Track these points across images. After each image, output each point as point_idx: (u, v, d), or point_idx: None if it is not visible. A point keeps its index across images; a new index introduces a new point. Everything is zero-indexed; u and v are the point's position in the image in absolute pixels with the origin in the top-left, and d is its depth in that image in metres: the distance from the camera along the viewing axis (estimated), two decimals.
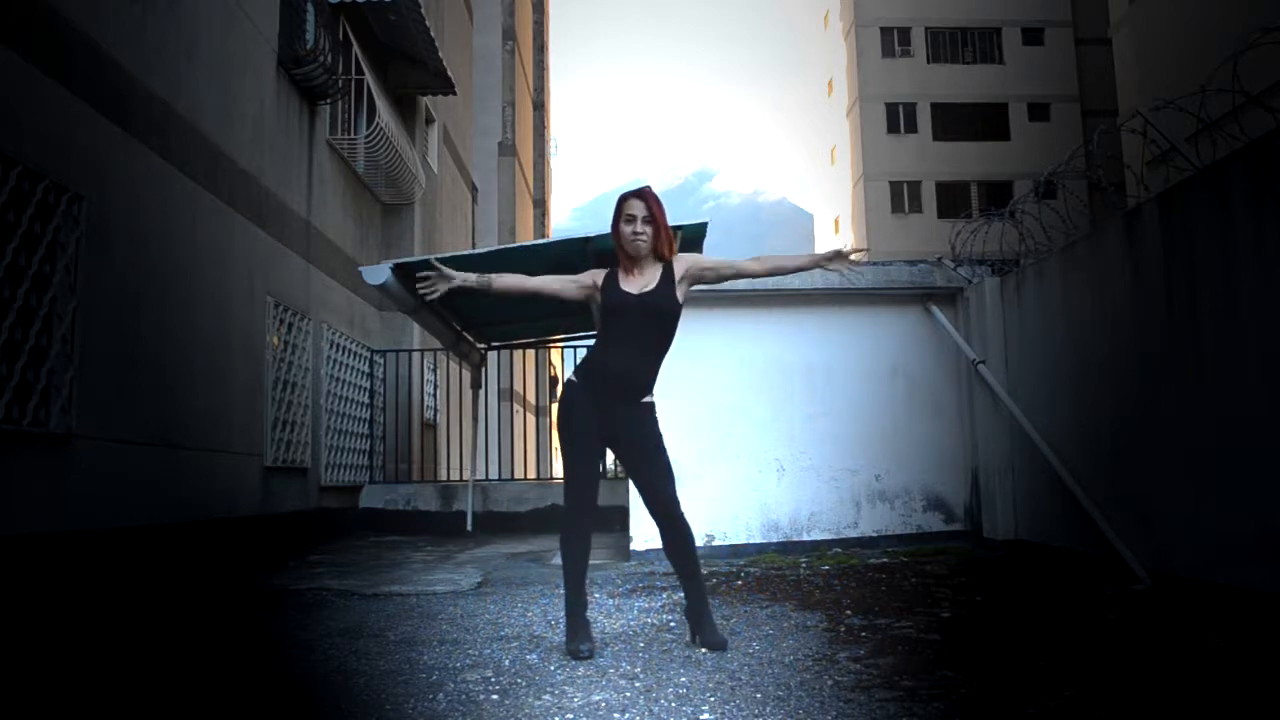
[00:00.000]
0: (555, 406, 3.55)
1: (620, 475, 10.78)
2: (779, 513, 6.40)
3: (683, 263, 3.53)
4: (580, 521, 3.44)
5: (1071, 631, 3.59)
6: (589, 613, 4.24)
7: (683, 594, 3.63)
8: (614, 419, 3.42)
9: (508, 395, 18.07)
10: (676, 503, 3.43)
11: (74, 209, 4.58)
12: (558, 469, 25.85)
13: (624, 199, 3.53)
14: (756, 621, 3.93)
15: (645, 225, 3.44)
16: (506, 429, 15.59)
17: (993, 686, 2.83)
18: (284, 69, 7.59)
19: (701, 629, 3.46)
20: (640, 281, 3.47)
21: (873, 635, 3.59)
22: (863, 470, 6.46)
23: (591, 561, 6.38)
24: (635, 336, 3.43)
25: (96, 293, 4.74)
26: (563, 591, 3.51)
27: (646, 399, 3.47)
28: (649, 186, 3.57)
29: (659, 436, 3.49)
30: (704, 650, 3.37)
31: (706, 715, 2.58)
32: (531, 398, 23.06)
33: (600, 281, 3.51)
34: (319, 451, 8.13)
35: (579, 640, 3.38)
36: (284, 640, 3.84)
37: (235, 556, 6.13)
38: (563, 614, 4.21)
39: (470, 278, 3.55)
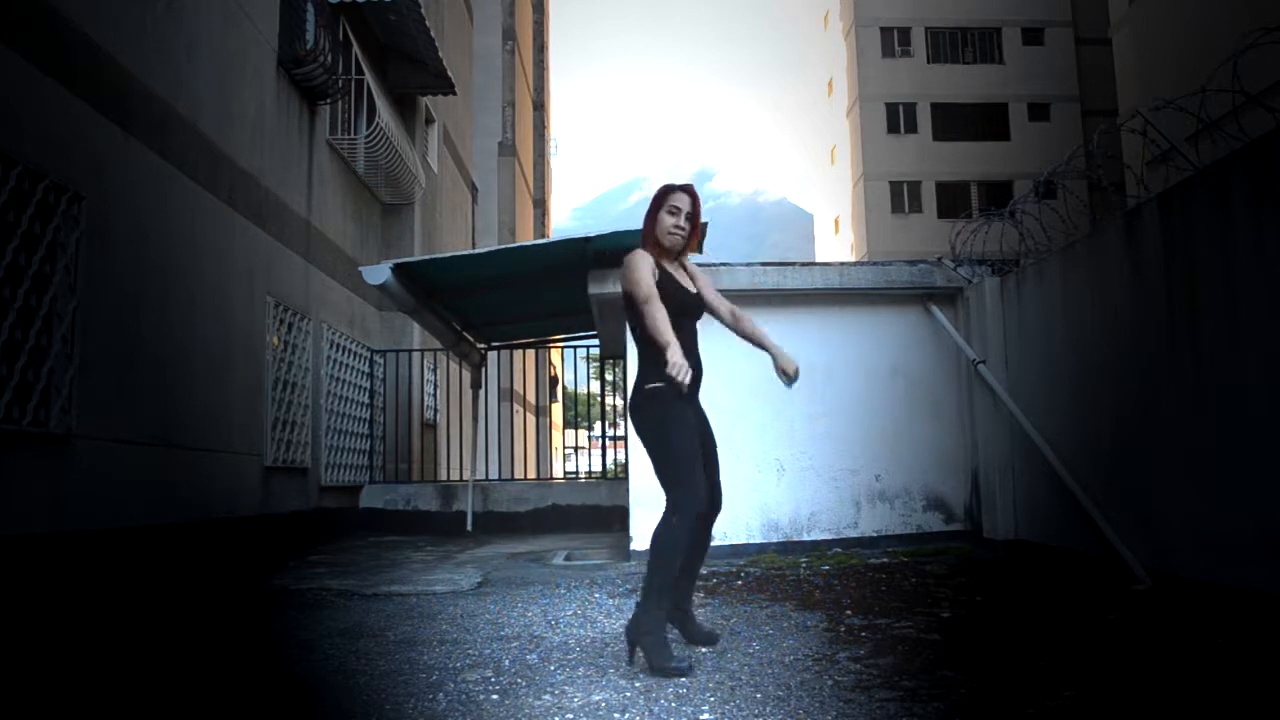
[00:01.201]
0: (633, 414, 3.39)
1: (621, 475, 10.78)
2: (779, 513, 6.40)
3: (707, 281, 3.56)
4: (697, 516, 3.22)
5: (1071, 631, 3.59)
6: (591, 610, 4.26)
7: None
8: (695, 416, 3.40)
9: (508, 395, 18.07)
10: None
11: (74, 209, 4.58)
12: (557, 469, 25.89)
13: (671, 190, 3.46)
14: (756, 621, 3.93)
15: (686, 222, 3.41)
16: (506, 429, 15.58)
17: (993, 686, 2.83)
18: (284, 69, 7.59)
19: (691, 630, 3.44)
20: (685, 278, 3.48)
21: (873, 635, 3.59)
22: (863, 470, 6.46)
23: (592, 561, 6.41)
24: (691, 332, 3.45)
25: (96, 293, 4.74)
26: (657, 606, 3.12)
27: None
28: (692, 185, 3.54)
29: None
30: (704, 650, 3.37)
31: (706, 715, 2.58)
32: (531, 398, 23.06)
33: (658, 275, 3.37)
34: (319, 451, 8.13)
35: (675, 658, 3.08)
36: (284, 640, 3.84)
37: (235, 556, 6.13)
38: (564, 614, 4.22)
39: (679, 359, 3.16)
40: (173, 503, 5.53)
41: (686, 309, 3.40)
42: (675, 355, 3.08)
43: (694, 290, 3.47)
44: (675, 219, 3.39)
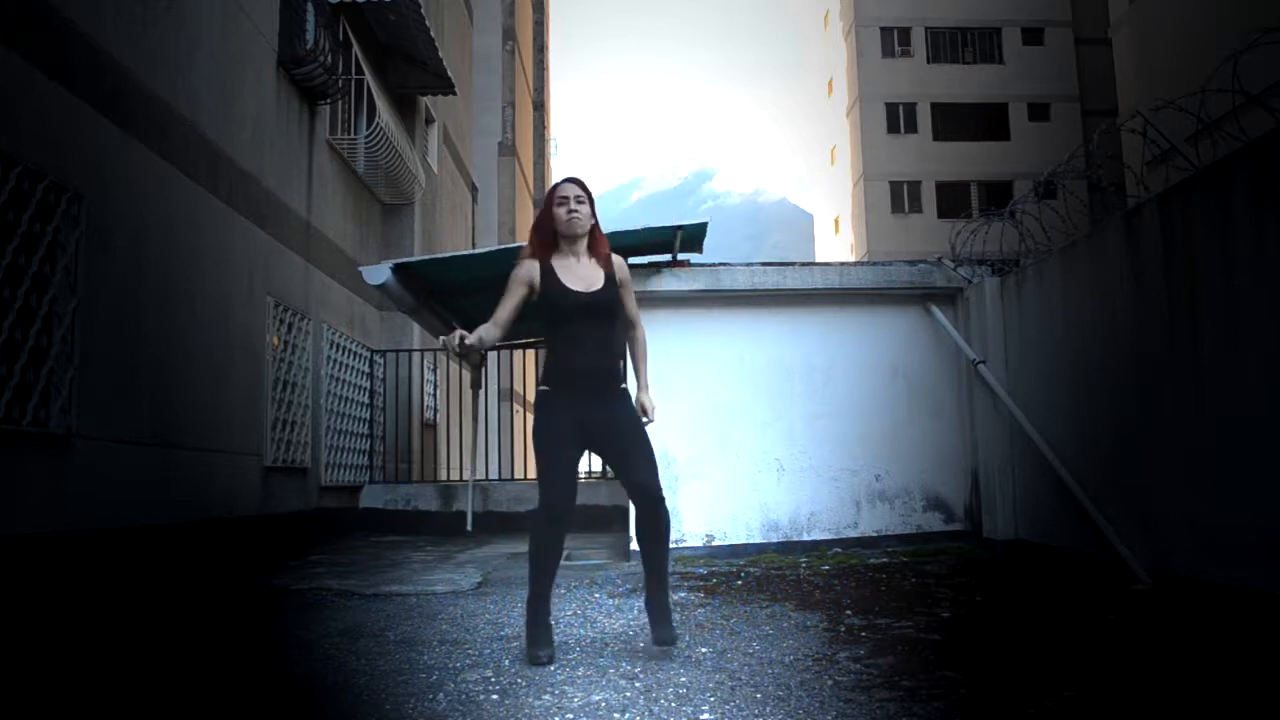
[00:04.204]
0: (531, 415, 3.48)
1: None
2: (779, 513, 6.40)
3: (623, 271, 3.48)
4: (561, 525, 3.32)
5: (1071, 631, 3.59)
6: (591, 610, 4.27)
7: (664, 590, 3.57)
8: (591, 418, 3.33)
9: (508, 395, 18.06)
10: (660, 488, 3.35)
11: (74, 209, 4.58)
12: None
13: (553, 188, 3.49)
14: (756, 621, 3.93)
15: (579, 204, 3.40)
16: (506, 429, 15.57)
17: (993, 686, 2.83)
18: (284, 69, 7.59)
19: (655, 624, 3.35)
20: (584, 276, 3.38)
21: (873, 635, 3.59)
22: (863, 470, 6.46)
23: (591, 561, 6.41)
24: (590, 334, 3.35)
25: (96, 293, 4.74)
26: (528, 594, 3.34)
27: (622, 386, 3.45)
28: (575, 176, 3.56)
29: (640, 422, 3.43)
30: (704, 650, 3.37)
31: (706, 715, 2.58)
32: (531, 398, 23.04)
33: (536, 276, 3.37)
34: (319, 451, 8.13)
35: (540, 646, 3.25)
36: (284, 640, 3.84)
37: (235, 556, 6.13)
38: (564, 614, 4.22)
39: (476, 337, 3.26)
40: (172, 503, 5.53)
41: (569, 311, 3.33)
42: (455, 338, 3.16)
43: (586, 290, 3.34)
44: (565, 206, 3.39)
